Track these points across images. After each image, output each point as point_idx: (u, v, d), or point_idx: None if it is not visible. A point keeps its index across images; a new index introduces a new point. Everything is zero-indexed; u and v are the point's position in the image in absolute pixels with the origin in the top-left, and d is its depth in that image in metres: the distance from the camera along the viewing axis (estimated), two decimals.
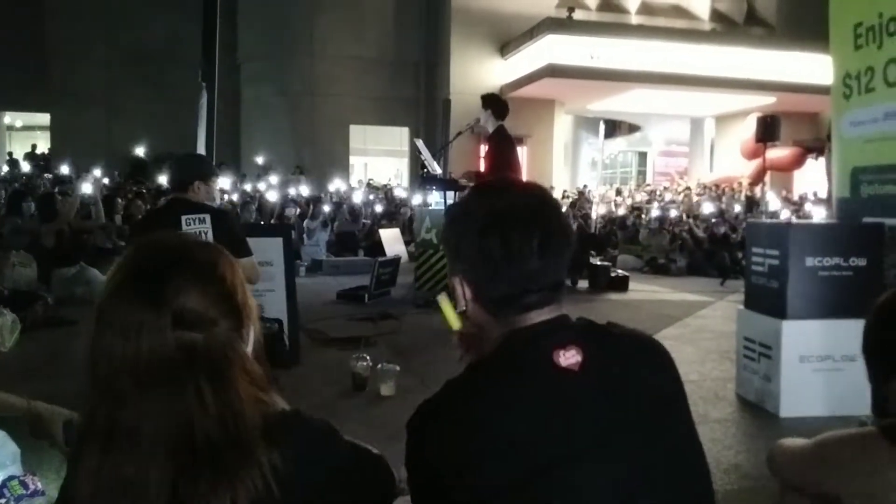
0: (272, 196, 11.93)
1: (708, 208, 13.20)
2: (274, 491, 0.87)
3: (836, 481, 1.19)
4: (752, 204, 13.64)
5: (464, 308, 1.11)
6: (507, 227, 1.03)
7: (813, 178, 17.75)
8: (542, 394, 0.97)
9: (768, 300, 3.75)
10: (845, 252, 3.66)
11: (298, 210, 10.97)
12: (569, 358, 0.98)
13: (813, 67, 15.20)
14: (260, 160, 17.42)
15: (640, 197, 17.98)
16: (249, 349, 1.00)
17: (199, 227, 3.14)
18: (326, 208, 10.91)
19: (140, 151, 19.00)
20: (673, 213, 13.06)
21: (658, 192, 18.55)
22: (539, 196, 1.09)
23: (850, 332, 3.56)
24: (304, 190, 13.61)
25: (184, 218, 3.19)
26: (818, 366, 3.62)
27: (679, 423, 1.04)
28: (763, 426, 3.51)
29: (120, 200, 9.37)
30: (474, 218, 1.06)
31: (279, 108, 19.50)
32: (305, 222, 10.22)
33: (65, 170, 13.57)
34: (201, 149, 5.71)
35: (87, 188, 7.41)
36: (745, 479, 2.91)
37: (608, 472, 0.95)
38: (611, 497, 0.94)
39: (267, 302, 4.67)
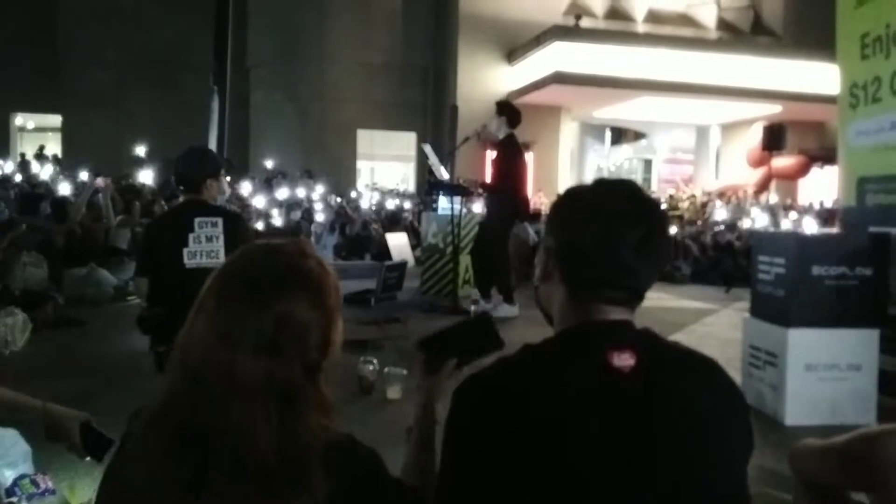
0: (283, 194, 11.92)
1: (721, 215, 13.17)
2: None
3: (879, 474, 1.20)
4: (774, 213, 13.58)
5: (538, 284, 1.14)
6: (617, 214, 1.05)
7: (818, 187, 17.73)
8: (587, 387, 0.98)
9: (774, 308, 3.77)
10: (851, 261, 3.68)
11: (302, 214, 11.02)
12: (622, 360, 1.00)
13: (819, 77, 15.21)
14: (269, 164, 17.47)
15: None
16: (327, 384, 1.01)
17: (210, 230, 3.07)
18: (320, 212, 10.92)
19: (149, 154, 19.10)
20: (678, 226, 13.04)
21: (664, 199, 18.53)
22: (652, 199, 1.13)
23: (856, 341, 3.63)
24: (316, 193, 13.61)
25: (196, 221, 3.11)
26: (824, 374, 3.63)
27: (724, 446, 1.03)
28: (768, 434, 3.52)
29: (137, 203, 9.43)
30: (586, 199, 1.10)
31: (288, 113, 19.60)
32: (312, 226, 10.27)
33: (83, 175, 13.66)
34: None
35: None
36: (752, 484, 2.92)
37: (645, 478, 0.95)
38: (639, 499, 0.95)
39: None
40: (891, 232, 3.93)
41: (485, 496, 0.97)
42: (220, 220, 3.09)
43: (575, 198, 1.14)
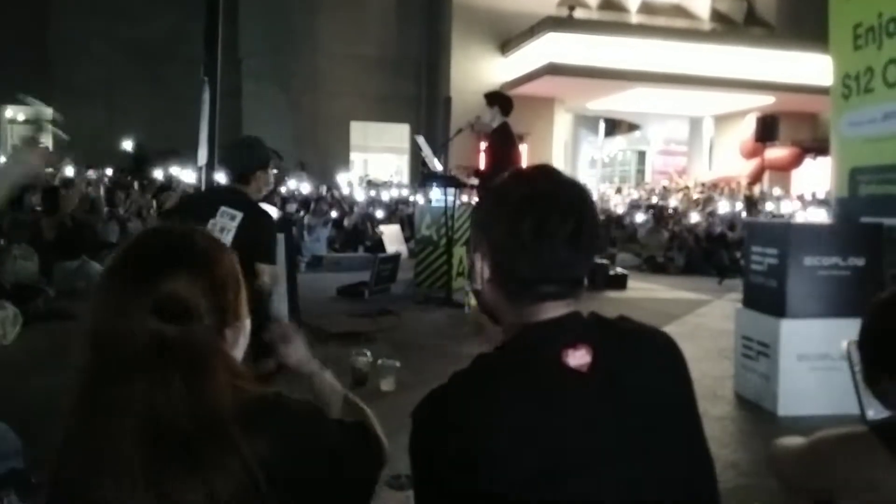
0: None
1: (723, 208, 13.20)
2: (259, 479, 0.87)
3: (827, 480, 1.20)
4: (751, 204, 13.66)
5: (478, 287, 1.09)
6: (544, 208, 1.01)
7: (811, 178, 17.80)
8: (549, 394, 0.96)
9: (767, 299, 3.78)
10: (844, 251, 3.69)
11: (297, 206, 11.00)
12: (578, 358, 0.97)
13: (812, 68, 15.24)
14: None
15: (639, 195, 18.00)
16: (237, 351, 1.00)
17: (226, 222, 3.02)
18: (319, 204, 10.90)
19: (140, 146, 19.03)
20: (673, 203, 13.08)
21: (657, 190, 18.58)
22: (578, 186, 1.07)
23: (848, 332, 3.60)
24: (306, 187, 13.60)
25: (220, 209, 3.05)
26: (816, 364, 3.65)
27: (686, 426, 1.03)
28: (761, 424, 3.54)
29: (122, 195, 9.39)
30: (511, 196, 1.04)
31: (280, 105, 19.51)
32: (306, 218, 10.24)
33: (69, 170, 13.58)
34: (203, 145, 5.71)
35: (69, 171, 7.27)
36: (742, 476, 2.94)
37: (612, 475, 0.94)
38: (616, 500, 0.94)
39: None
40: (883, 222, 3.93)
41: None
42: (239, 216, 3.04)
43: (499, 195, 1.07)
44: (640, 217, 12.89)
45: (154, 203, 9.45)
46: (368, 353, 4.09)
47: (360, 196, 13.29)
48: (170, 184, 11.93)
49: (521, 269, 1.02)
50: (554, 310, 1.03)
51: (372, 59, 19.59)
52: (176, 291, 0.91)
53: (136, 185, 11.33)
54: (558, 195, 1.03)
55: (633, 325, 1.08)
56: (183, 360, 0.89)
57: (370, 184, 16.70)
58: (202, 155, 5.77)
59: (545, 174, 1.08)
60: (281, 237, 4.83)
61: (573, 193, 1.05)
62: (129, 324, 0.89)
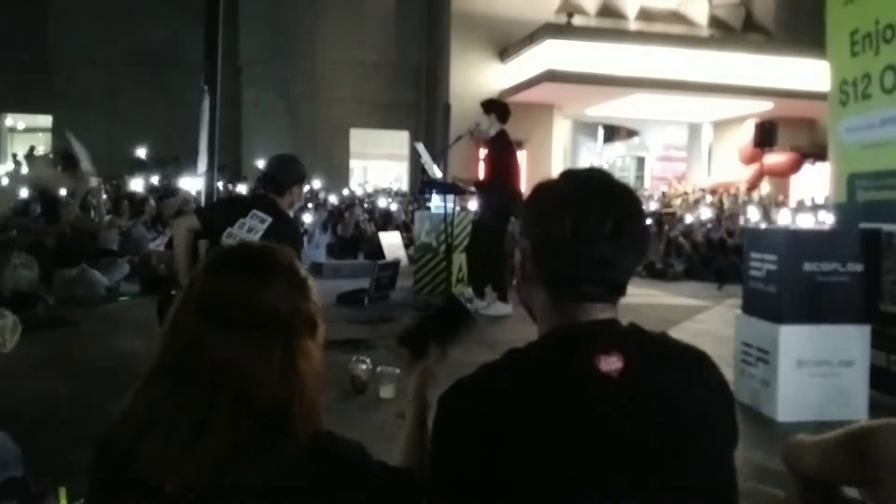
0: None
1: (706, 214, 13.23)
2: (305, 487, 0.91)
3: (871, 469, 1.20)
4: (766, 210, 13.63)
5: (518, 284, 1.12)
6: (583, 204, 1.02)
7: (810, 184, 17.81)
8: (577, 396, 0.96)
9: (766, 305, 3.78)
10: (842, 257, 3.69)
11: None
12: (609, 364, 0.97)
13: (810, 74, 15.28)
14: (260, 164, 17.44)
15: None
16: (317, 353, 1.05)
17: (255, 224, 3.27)
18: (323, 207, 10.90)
19: (141, 154, 19.03)
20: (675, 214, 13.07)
21: (656, 196, 18.60)
22: (622, 187, 1.09)
23: (847, 338, 3.64)
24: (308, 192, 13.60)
25: (252, 211, 3.31)
26: (815, 371, 3.65)
27: (713, 443, 1.01)
28: (760, 431, 3.54)
29: (126, 203, 9.41)
30: (553, 194, 1.07)
31: (280, 112, 19.56)
32: (305, 224, 10.24)
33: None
34: (203, 152, 5.73)
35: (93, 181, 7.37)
36: (746, 480, 2.91)
37: (629, 483, 0.94)
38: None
39: None
40: (882, 228, 3.95)
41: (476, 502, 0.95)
42: (269, 220, 3.29)
43: (544, 193, 1.10)
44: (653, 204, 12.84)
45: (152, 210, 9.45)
46: (368, 361, 4.07)
47: (358, 202, 13.29)
48: (171, 191, 11.94)
49: (561, 268, 1.03)
50: (592, 312, 1.03)
51: (371, 65, 19.65)
52: (283, 289, 0.99)
53: (146, 196, 11.34)
54: (600, 194, 1.04)
55: (672, 340, 1.07)
56: (283, 335, 0.96)
57: (369, 190, 16.71)
58: (202, 163, 5.79)
59: (590, 173, 1.11)
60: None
61: (617, 191, 1.06)
62: (243, 292, 0.96)
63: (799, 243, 3.74)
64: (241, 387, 0.91)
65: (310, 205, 10.58)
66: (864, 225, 4.06)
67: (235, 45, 19.19)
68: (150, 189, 12.63)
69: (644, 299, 8.30)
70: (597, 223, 1.01)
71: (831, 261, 3.67)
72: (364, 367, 4.02)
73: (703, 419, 1.01)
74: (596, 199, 1.03)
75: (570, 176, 1.11)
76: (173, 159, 15.91)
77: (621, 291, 1.06)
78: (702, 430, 1.00)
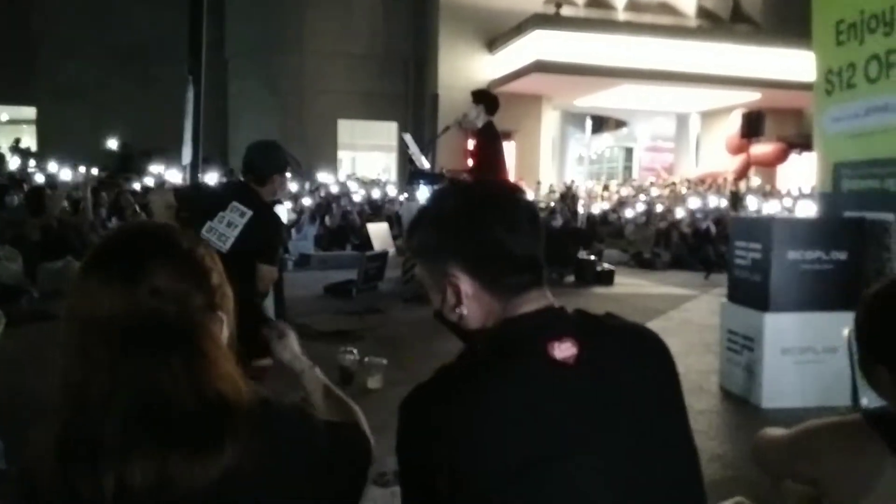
0: None
1: (695, 203, 13.31)
2: (251, 471, 0.87)
3: (816, 467, 1.21)
4: (735, 200, 13.76)
5: (462, 312, 1.06)
6: (501, 205, 1.07)
7: (797, 174, 17.93)
8: (536, 386, 0.97)
9: (751, 293, 3.81)
10: (826, 246, 3.72)
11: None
12: (564, 350, 0.98)
13: (797, 64, 15.33)
14: None
15: (626, 192, 18.08)
16: (224, 336, 1.00)
17: (235, 218, 3.08)
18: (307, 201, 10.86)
19: (125, 146, 18.88)
20: (659, 208, 13.15)
21: (644, 187, 18.67)
22: (507, 185, 1.18)
23: (831, 325, 3.66)
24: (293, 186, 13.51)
25: (232, 204, 3.13)
26: (800, 358, 3.68)
27: (672, 418, 1.04)
28: (746, 417, 3.57)
29: (105, 195, 9.32)
30: (466, 206, 1.08)
31: (267, 103, 19.42)
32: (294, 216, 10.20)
33: (53, 166, 13.43)
34: (188, 143, 5.67)
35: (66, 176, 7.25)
36: (727, 468, 2.96)
37: (601, 465, 0.95)
38: (604, 491, 0.95)
39: None
40: (865, 216, 3.98)
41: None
42: (249, 214, 3.11)
43: (457, 210, 1.09)
44: (630, 213, 12.94)
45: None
46: (355, 351, 4.08)
47: (350, 191, 13.22)
48: (159, 183, 11.84)
49: (506, 266, 1.04)
50: (531, 302, 1.04)
51: (359, 56, 19.54)
52: (167, 279, 0.91)
53: (126, 184, 11.24)
54: (500, 194, 1.11)
55: (619, 321, 1.09)
56: (181, 338, 0.89)
57: (358, 181, 16.66)
58: (186, 154, 5.73)
59: (475, 184, 1.23)
60: None
61: (507, 191, 1.13)
62: (123, 306, 0.88)
63: (783, 232, 3.77)
64: (147, 404, 0.86)
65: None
66: (848, 214, 4.09)
67: (222, 37, 19.03)
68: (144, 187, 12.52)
69: (632, 289, 8.35)
70: (517, 217, 1.06)
71: (816, 249, 3.70)
72: (351, 357, 4.03)
73: (660, 395, 1.04)
74: (504, 199, 1.09)
75: (463, 189, 1.19)
76: (159, 151, 15.77)
77: (542, 273, 1.10)
78: (660, 404, 1.03)
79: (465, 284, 1.05)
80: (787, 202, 13.88)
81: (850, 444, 1.15)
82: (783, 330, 3.66)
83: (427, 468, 0.96)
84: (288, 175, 3.40)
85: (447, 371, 1.02)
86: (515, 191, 1.15)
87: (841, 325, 3.73)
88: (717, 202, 14.49)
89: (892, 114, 3.88)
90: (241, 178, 3.32)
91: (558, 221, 10.25)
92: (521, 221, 1.06)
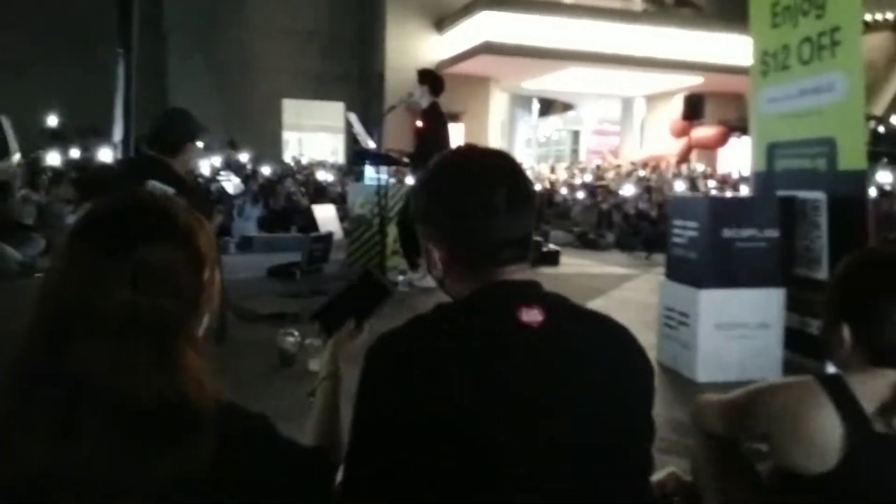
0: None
1: (630, 190, 13.55)
2: (209, 473, 0.84)
3: (766, 422, 1.26)
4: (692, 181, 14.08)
5: (440, 277, 1.13)
6: (476, 182, 1.08)
7: (737, 157, 18.45)
8: (500, 342, 1.01)
9: (687, 270, 3.88)
10: (760, 224, 3.81)
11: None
12: (531, 315, 1.02)
13: (738, 49, 15.68)
14: None
15: (576, 174, 18.29)
16: (202, 331, 0.96)
17: None
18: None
19: (63, 124, 18.07)
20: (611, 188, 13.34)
21: (590, 170, 18.92)
22: (501, 156, 1.15)
23: (763, 301, 3.78)
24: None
25: (150, 184, 2.88)
26: (733, 333, 3.77)
27: (631, 386, 1.08)
28: (681, 391, 3.65)
29: (44, 176, 8.93)
30: (444, 178, 1.12)
31: (208, 82, 18.84)
32: (236, 198, 9.94)
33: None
34: (119, 120, 5.45)
35: None
36: (662, 441, 3.01)
37: (553, 428, 0.97)
38: (550, 453, 0.97)
39: None
40: (797, 195, 4.09)
41: (402, 454, 0.96)
42: (170, 193, 2.91)
43: (436, 181, 1.14)
44: (578, 194, 13.10)
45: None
46: (296, 333, 4.00)
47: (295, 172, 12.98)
48: (90, 163, 11.40)
49: (475, 243, 1.08)
50: (513, 274, 1.09)
51: (304, 34, 19.12)
52: (156, 261, 0.86)
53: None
54: (485, 167, 1.11)
55: (594, 312, 1.14)
56: (152, 336, 0.84)
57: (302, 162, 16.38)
58: (117, 131, 5.50)
59: (468, 152, 1.17)
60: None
61: (498, 163, 1.12)
62: (100, 292, 0.83)
63: (718, 210, 3.85)
64: (110, 391, 0.82)
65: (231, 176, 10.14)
66: (781, 192, 4.20)
67: (160, 11, 18.34)
68: (70, 163, 12.01)
69: (576, 269, 8.46)
70: (492, 196, 1.06)
71: (749, 227, 3.78)
72: (292, 339, 3.95)
73: (618, 367, 1.08)
74: (485, 174, 1.09)
75: (451, 159, 1.17)
76: (91, 130, 15.15)
77: (530, 245, 1.12)
78: (618, 376, 1.07)
79: (443, 259, 1.11)
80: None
81: (800, 402, 1.21)
82: (717, 306, 3.75)
83: (386, 409, 0.98)
84: (199, 144, 3.16)
85: (415, 319, 1.05)
86: (504, 162, 1.13)
87: (773, 301, 3.86)
88: (660, 184, 14.77)
89: (823, 95, 3.99)
90: (149, 151, 3.09)
91: None
92: (497, 198, 1.06)
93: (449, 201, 1.09)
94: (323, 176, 13.51)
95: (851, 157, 3.85)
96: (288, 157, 17.75)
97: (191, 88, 19.01)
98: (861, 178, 3.96)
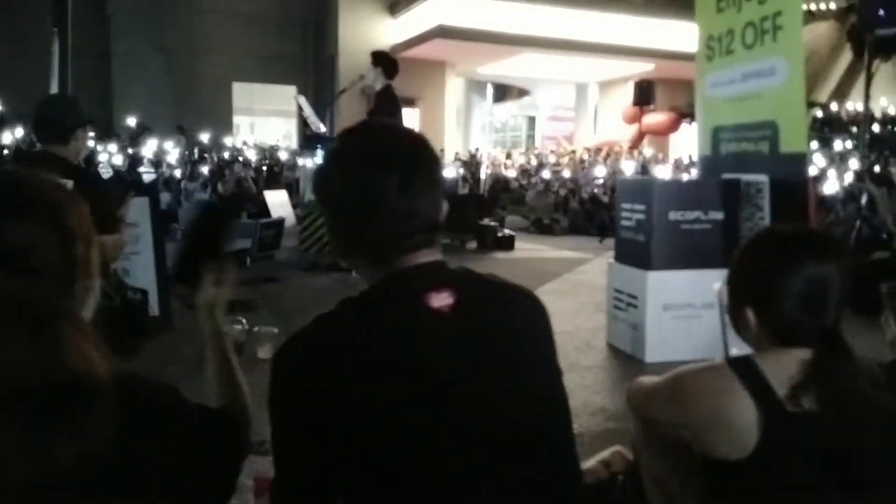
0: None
1: (601, 172, 13.73)
2: (111, 451, 0.80)
3: (683, 409, 1.25)
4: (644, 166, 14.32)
5: (345, 262, 1.12)
6: (365, 167, 1.02)
7: (687, 142, 18.80)
8: (411, 331, 0.98)
9: (635, 253, 3.93)
10: (705, 206, 3.88)
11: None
12: (440, 300, 0.99)
13: (689, 36, 15.94)
14: (132, 121, 16.31)
15: (532, 159, 18.40)
16: (86, 311, 0.92)
17: None
18: (206, 169, 10.40)
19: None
20: (566, 174, 13.48)
21: (545, 156, 19.06)
22: (403, 137, 1.10)
23: (709, 281, 3.79)
24: (175, 153, 12.74)
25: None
26: (680, 313, 3.85)
27: (544, 373, 1.07)
28: (629, 371, 3.70)
29: None
30: (337, 161, 1.08)
31: (155, 65, 18.29)
32: (183, 183, 9.70)
33: None
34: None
35: None
36: (610, 420, 3.06)
37: (472, 409, 0.96)
38: (475, 432, 0.96)
39: (133, 266, 4.40)
40: (741, 178, 4.17)
41: (324, 457, 0.95)
42: (69, 184, 2.75)
43: (332, 165, 1.09)
44: (533, 180, 13.21)
45: None
46: (244, 321, 3.93)
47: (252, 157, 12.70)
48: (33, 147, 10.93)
49: (368, 230, 1.03)
50: (416, 259, 1.04)
51: (253, 15, 18.67)
52: (21, 240, 0.82)
53: None
54: (379, 151, 1.05)
55: (499, 279, 1.11)
56: (21, 315, 0.79)
57: (257, 147, 16.07)
58: None
59: (367, 132, 1.13)
60: (144, 201, 4.54)
61: (396, 145, 1.07)
62: None
63: (665, 193, 3.90)
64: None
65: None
66: (726, 175, 4.27)
67: None
68: (16, 151, 11.50)
69: (531, 254, 8.53)
70: (382, 182, 1.01)
71: (694, 209, 3.85)
72: (239, 327, 3.87)
73: (532, 344, 1.08)
74: (377, 158, 1.04)
75: (348, 140, 1.12)
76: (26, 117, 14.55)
77: (435, 230, 1.07)
78: (532, 353, 1.07)
79: (341, 234, 1.08)
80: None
81: (714, 388, 1.20)
82: (664, 287, 3.81)
83: (301, 413, 0.96)
84: (90, 133, 3.02)
85: (319, 318, 1.01)
86: (404, 143, 1.08)
87: (718, 281, 3.93)
88: (612, 169, 14.96)
89: (765, 79, 4.06)
90: (36, 143, 2.88)
91: (462, 188, 10.30)
92: (387, 184, 1.01)
93: (338, 189, 1.04)
94: (285, 157, 13.18)
95: (793, 140, 3.93)
96: (239, 142, 17.38)
97: (137, 72, 18.43)
98: (802, 161, 4.05)
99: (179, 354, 3.70)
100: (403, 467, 0.94)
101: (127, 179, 8.50)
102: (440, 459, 0.95)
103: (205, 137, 15.98)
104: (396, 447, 0.93)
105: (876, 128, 21.70)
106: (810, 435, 1.16)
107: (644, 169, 14.14)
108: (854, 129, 19.68)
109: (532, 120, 26.76)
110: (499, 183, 13.42)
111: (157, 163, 10.83)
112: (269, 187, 10.91)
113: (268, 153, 15.08)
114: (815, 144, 16.79)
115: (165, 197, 9.23)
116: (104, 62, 18.46)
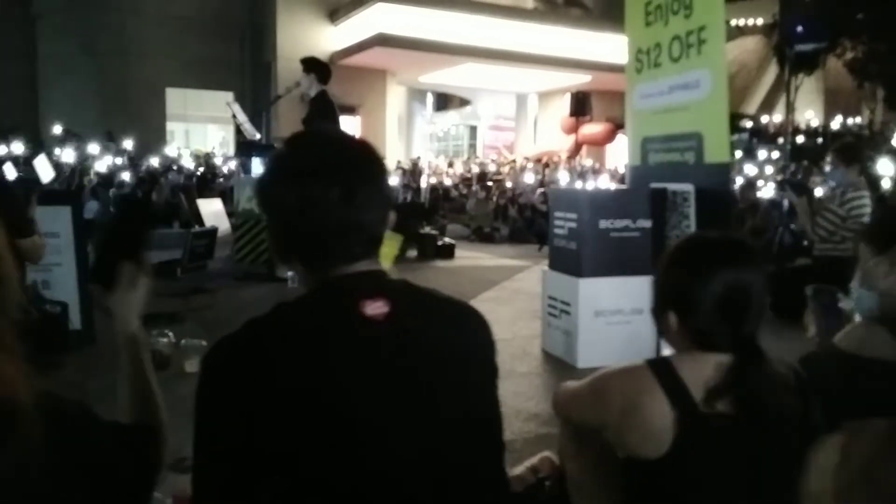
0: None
1: (530, 178, 13.92)
2: (20, 472, 0.77)
3: (606, 410, 1.27)
4: (582, 175, 14.59)
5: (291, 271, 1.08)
6: (307, 178, 1.01)
7: (623, 152, 19.29)
8: (343, 338, 0.97)
9: (568, 260, 3.99)
10: (633, 215, 3.97)
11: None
12: (375, 308, 0.99)
13: (623, 48, 16.39)
14: (58, 128, 15.64)
15: (472, 168, 18.52)
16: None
17: None
18: (127, 176, 10.04)
19: None
20: (508, 184, 13.64)
21: (486, 165, 19.23)
22: (350, 148, 1.08)
23: (637, 288, 3.93)
24: (106, 161, 12.25)
25: None
26: (611, 319, 3.92)
27: (476, 388, 1.07)
28: (563, 377, 3.71)
29: None
30: (280, 170, 1.06)
31: (84, 69, 17.63)
32: (111, 192, 9.34)
33: None
34: None
35: None
36: (543, 426, 3.09)
37: (405, 416, 0.96)
38: (405, 443, 0.95)
39: (54, 277, 4.23)
40: (668, 187, 4.29)
41: (248, 463, 0.92)
42: None
43: (274, 172, 1.08)
44: (473, 189, 13.30)
45: None
46: (171, 334, 3.83)
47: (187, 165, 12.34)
48: None
49: (305, 238, 1.02)
50: (358, 266, 1.04)
51: (188, 19, 18.24)
52: None
53: None
54: (322, 161, 1.04)
55: (440, 294, 1.11)
56: None
57: (192, 156, 15.66)
58: None
59: (312, 141, 1.12)
60: (66, 210, 4.35)
61: (340, 156, 1.05)
62: None
63: (595, 202, 3.98)
64: None
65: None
66: (654, 185, 4.38)
67: None
68: None
69: (471, 262, 8.56)
70: (323, 193, 1.00)
71: (623, 218, 3.93)
72: (165, 341, 3.78)
73: (465, 358, 1.06)
74: (320, 169, 1.02)
75: (292, 148, 1.10)
76: None
77: (376, 245, 1.07)
78: (464, 367, 1.05)
79: (279, 240, 1.07)
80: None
81: (632, 388, 1.22)
82: (595, 294, 3.88)
83: (224, 423, 0.94)
84: None
85: (254, 323, 1.00)
86: (349, 154, 1.06)
87: (646, 288, 4.03)
88: (551, 179, 15.21)
89: (691, 91, 4.19)
90: None
91: (403, 197, 10.28)
92: (328, 195, 0.99)
93: (279, 198, 1.03)
94: (222, 163, 12.86)
95: (717, 150, 4.07)
96: (173, 150, 16.89)
97: (64, 75, 17.73)
98: (725, 170, 4.20)
99: (101, 368, 3.55)
100: (325, 473, 0.92)
101: (30, 180, 8.14)
102: (361, 472, 0.93)
103: (130, 145, 15.43)
104: (318, 449, 0.92)
105: (801, 139, 22.81)
106: (722, 437, 1.19)
107: (581, 178, 14.43)
108: (780, 140, 20.60)
109: (474, 129, 26.99)
110: (440, 191, 13.45)
111: (73, 170, 10.36)
112: (203, 195, 10.64)
113: (202, 160, 14.69)
114: (740, 154, 17.50)
115: (93, 206, 8.89)
116: (29, 64, 17.69)
